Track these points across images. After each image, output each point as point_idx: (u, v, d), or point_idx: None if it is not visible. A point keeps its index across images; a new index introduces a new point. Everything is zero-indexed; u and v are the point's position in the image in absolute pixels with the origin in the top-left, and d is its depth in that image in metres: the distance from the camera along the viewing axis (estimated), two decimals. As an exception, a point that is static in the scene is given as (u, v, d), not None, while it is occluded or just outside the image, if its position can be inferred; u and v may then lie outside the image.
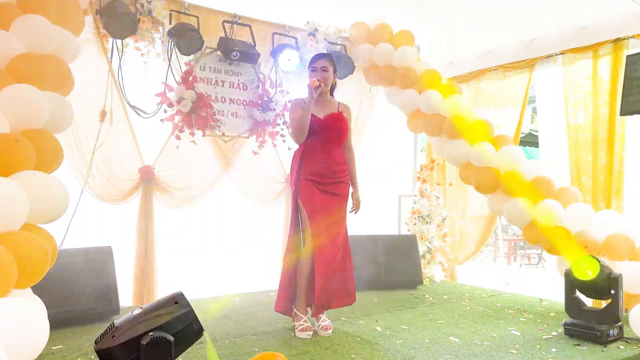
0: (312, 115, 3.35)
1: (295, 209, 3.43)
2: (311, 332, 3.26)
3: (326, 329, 3.33)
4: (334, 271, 3.33)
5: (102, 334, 2.16)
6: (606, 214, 3.99)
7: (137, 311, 2.22)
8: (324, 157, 3.38)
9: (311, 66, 3.44)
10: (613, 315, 3.18)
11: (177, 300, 2.28)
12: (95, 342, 2.15)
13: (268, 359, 0.86)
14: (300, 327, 3.28)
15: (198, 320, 2.29)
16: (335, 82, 3.60)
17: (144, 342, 2.12)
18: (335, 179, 3.41)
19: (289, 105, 4.42)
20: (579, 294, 3.39)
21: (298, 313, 3.36)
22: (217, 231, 4.59)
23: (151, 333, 2.15)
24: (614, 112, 4.35)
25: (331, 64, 3.46)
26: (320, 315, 3.38)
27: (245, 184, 4.71)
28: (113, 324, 2.17)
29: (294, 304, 3.40)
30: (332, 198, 3.38)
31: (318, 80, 3.31)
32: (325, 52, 3.69)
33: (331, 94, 3.58)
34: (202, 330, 2.30)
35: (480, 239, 5.64)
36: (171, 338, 2.17)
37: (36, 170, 2.46)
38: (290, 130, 3.40)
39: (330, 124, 3.39)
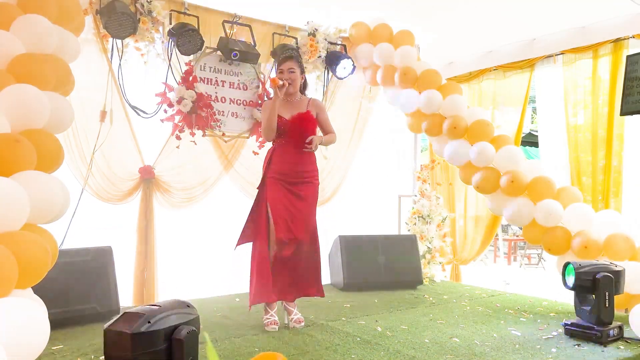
0: (279, 116, 3.46)
1: (259, 201, 3.54)
2: (276, 326, 3.40)
3: (299, 322, 3.48)
4: (292, 266, 3.50)
5: (126, 319, 2.14)
6: (606, 214, 3.99)
7: (155, 307, 2.24)
8: (289, 157, 3.49)
9: (278, 68, 3.55)
10: (596, 317, 3.17)
11: (188, 304, 2.37)
12: (117, 327, 2.13)
13: (268, 359, 0.86)
14: (267, 322, 3.43)
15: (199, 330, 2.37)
16: (305, 81, 3.71)
17: (179, 334, 2.17)
18: (300, 179, 3.51)
19: None
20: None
21: (267, 307, 3.51)
22: (217, 231, 4.59)
23: (185, 326, 2.22)
24: (613, 112, 4.36)
25: (298, 65, 3.55)
26: (292, 309, 3.52)
27: (246, 183, 4.71)
28: (136, 312, 2.16)
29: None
30: (296, 199, 3.50)
31: (282, 80, 3.40)
32: (292, 50, 3.85)
33: (303, 93, 3.69)
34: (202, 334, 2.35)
35: (484, 239, 5.64)
36: (198, 333, 2.26)
37: (37, 170, 2.46)
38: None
39: (296, 125, 3.48)
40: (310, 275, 3.60)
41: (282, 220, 3.43)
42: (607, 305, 3.17)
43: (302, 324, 3.49)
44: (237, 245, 3.57)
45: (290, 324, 3.50)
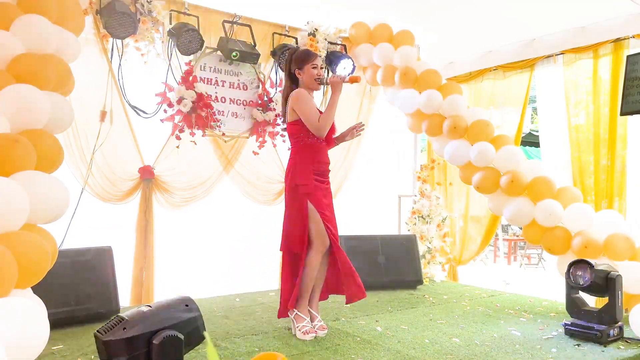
0: (322, 112, 3.34)
1: (301, 208, 3.29)
2: (315, 334, 3.24)
3: (323, 328, 3.34)
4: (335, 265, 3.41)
5: (109, 325, 2.17)
6: (606, 214, 3.99)
7: (145, 308, 2.25)
8: (325, 157, 3.44)
9: (312, 64, 3.37)
10: (610, 316, 3.17)
11: (187, 303, 2.35)
12: (100, 332, 2.16)
13: (268, 359, 0.86)
14: (304, 330, 3.23)
15: (204, 327, 2.34)
16: None
17: (157, 339, 2.15)
18: (327, 178, 3.49)
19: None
20: (580, 292, 3.39)
21: (300, 314, 3.30)
22: (217, 231, 4.59)
23: (165, 331, 2.19)
24: (614, 112, 4.35)
25: None
26: (317, 316, 3.39)
27: (246, 183, 4.71)
28: (121, 317, 2.18)
29: (296, 305, 3.33)
30: (329, 196, 3.47)
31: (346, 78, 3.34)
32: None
33: None
34: (203, 335, 2.33)
35: (483, 239, 5.63)
36: (182, 337, 2.22)
37: (36, 170, 2.46)
38: (312, 124, 3.27)
39: (333, 125, 3.46)
40: (346, 275, 3.42)
41: (331, 222, 3.34)
42: (619, 304, 3.19)
43: (326, 330, 3.34)
44: (302, 254, 3.36)
45: (317, 332, 3.31)
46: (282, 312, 3.39)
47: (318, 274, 3.38)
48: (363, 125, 3.58)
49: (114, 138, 4.05)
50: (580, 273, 3.30)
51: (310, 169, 3.30)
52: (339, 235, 4.76)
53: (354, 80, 3.31)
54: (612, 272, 3.23)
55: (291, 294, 3.31)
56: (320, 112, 3.33)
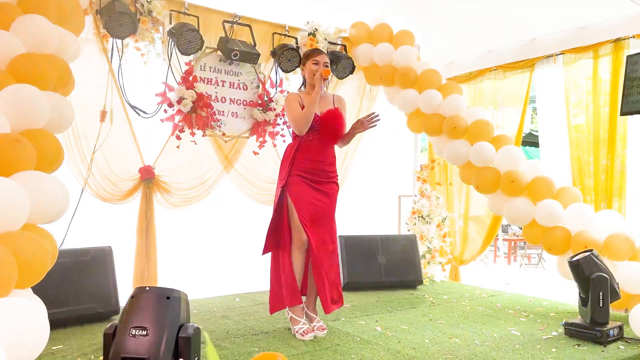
0: None
1: (281, 204, 3.32)
2: (313, 334, 3.23)
3: (322, 329, 3.32)
4: (330, 268, 3.34)
5: (137, 345, 2.07)
6: (606, 214, 3.99)
7: (144, 332, 2.20)
8: (317, 155, 3.34)
9: (313, 59, 3.38)
10: (590, 316, 3.17)
11: (168, 296, 2.33)
12: (136, 352, 2.09)
13: (268, 359, 0.86)
14: (301, 331, 3.22)
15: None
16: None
17: (185, 334, 2.16)
18: (325, 178, 3.38)
19: None
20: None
21: (295, 317, 3.27)
22: (217, 231, 4.59)
23: (186, 326, 2.22)
24: (614, 112, 4.35)
25: (329, 60, 3.50)
26: (315, 317, 3.37)
27: (246, 183, 4.71)
28: (139, 333, 2.11)
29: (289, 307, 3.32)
30: (321, 195, 3.35)
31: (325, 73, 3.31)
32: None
33: None
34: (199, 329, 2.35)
35: (484, 239, 5.63)
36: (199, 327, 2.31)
37: (36, 170, 2.46)
38: (291, 124, 3.35)
39: (327, 121, 3.33)
40: (337, 286, 3.40)
41: (310, 222, 3.25)
42: (601, 306, 3.16)
43: (325, 331, 3.32)
44: (264, 252, 3.37)
45: (315, 333, 3.28)
46: (272, 307, 3.40)
47: (312, 274, 3.35)
48: (377, 115, 3.41)
49: (114, 138, 4.05)
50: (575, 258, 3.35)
51: (291, 164, 3.31)
52: (341, 236, 4.80)
53: (325, 74, 3.32)
54: (595, 273, 3.19)
55: (278, 290, 3.33)
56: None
